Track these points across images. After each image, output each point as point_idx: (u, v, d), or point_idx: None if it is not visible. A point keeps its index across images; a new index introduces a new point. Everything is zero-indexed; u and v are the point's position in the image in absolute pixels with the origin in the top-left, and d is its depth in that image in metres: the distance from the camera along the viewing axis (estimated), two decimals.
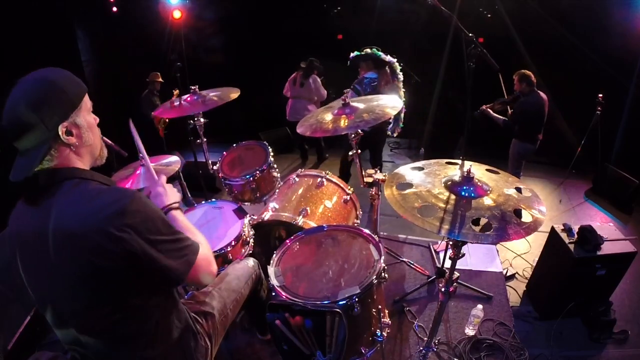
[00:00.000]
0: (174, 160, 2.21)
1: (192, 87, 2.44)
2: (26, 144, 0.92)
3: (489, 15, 4.85)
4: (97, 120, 1.07)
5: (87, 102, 1.01)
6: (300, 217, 2.11)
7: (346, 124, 1.87)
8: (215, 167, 2.52)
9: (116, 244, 0.87)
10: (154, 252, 0.93)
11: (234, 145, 2.64)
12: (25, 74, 0.95)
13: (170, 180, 1.50)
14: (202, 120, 2.51)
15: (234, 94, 2.42)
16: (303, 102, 4.72)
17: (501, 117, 3.65)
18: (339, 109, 2.00)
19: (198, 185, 3.68)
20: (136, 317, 1.01)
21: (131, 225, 0.89)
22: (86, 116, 1.01)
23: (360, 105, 1.99)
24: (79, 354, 1.07)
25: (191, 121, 2.58)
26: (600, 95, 4.17)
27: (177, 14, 5.37)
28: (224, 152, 2.60)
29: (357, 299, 1.42)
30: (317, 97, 4.77)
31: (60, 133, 0.93)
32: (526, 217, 1.36)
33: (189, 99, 2.41)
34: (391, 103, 2.00)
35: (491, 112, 3.72)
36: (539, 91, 3.43)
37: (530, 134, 3.50)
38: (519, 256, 3.12)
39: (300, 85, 4.69)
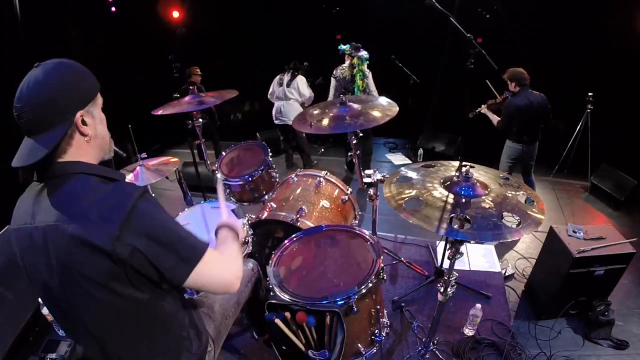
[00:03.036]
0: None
1: (191, 87, 2.45)
2: (42, 127, 0.89)
3: (487, 16, 4.85)
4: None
5: (99, 98, 1.02)
6: (297, 216, 2.11)
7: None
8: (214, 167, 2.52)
9: (113, 247, 0.86)
10: (151, 253, 0.90)
11: (233, 145, 2.63)
12: (23, 73, 0.92)
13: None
14: (200, 120, 2.51)
15: (231, 94, 2.42)
16: (290, 104, 4.60)
17: (496, 117, 3.60)
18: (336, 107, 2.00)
19: (197, 186, 3.66)
20: (137, 317, 1.00)
21: (132, 230, 0.87)
22: (99, 110, 1.03)
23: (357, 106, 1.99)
24: (85, 347, 1.08)
25: (189, 121, 2.58)
26: (590, 93, 4.25)
27: (175, 14, 5.36)
28: (223, 153, 2.60)
29: (355, 299, 1.42)
30: (303, 99, 4.62)
31: (77, 121, 0.93)
32: (525, 217, 1.36)
33: (187, 98, 2.41)
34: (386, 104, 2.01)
35: (489, 112, 3.67)
36: (532, 91, 3.30)
37: (517, 134, 3.42)
38: (517, 253, 3.12)
39: (287, 85, 4.54)
